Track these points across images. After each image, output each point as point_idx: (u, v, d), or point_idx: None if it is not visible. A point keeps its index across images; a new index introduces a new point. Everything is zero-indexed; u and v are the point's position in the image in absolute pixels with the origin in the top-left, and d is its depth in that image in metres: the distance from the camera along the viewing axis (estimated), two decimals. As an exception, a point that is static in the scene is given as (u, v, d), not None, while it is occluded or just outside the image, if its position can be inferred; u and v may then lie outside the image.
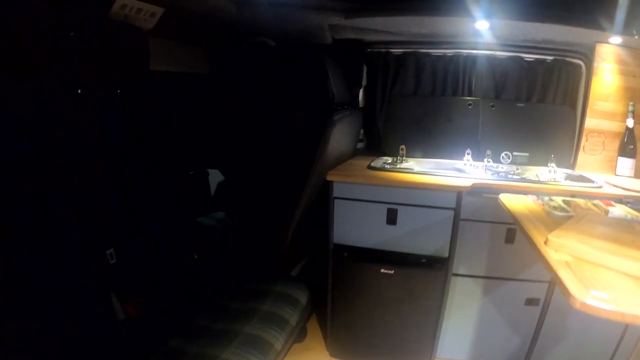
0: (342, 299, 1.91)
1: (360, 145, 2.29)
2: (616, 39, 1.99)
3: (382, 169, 1.90)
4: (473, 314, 1.91)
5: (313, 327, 2.15)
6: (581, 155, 2.18)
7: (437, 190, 1.72)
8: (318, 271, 1.98)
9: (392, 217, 1.77)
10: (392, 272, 1.80)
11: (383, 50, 2.20)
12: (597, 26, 1.91)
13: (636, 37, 1.93)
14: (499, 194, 1.54)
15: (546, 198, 1.49)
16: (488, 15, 1.81)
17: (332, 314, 1.95)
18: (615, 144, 2.17)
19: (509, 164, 2.14)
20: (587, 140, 2.17)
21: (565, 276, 0.85)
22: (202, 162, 2.36)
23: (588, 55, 2.13)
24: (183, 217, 2.13)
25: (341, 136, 1.84)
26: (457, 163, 2.12)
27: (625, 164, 2.09)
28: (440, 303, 1.83)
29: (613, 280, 0.84)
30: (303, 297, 1.78)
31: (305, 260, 2.12)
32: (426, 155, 2.20)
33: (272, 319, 1.57)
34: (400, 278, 1.81)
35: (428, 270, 1.79)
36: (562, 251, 0.98)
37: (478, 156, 2.13)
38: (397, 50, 2.20)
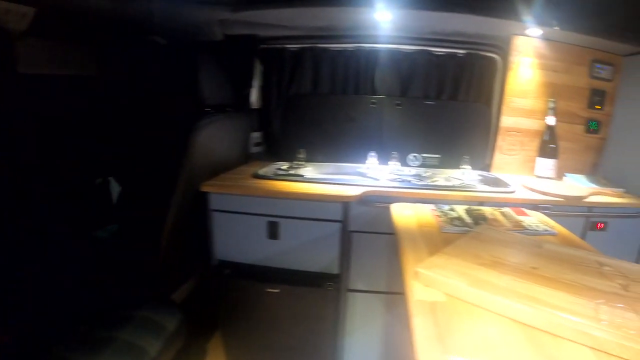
0: (231, 320, 1.73)
1: (259, 149, 2.08)
2: (535, 31, 1.86)
3: (268, 177, 1.71)
4: (377, 332, 1.73)
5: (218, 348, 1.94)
6: (498, 156, 2.02)
7: (322, 200, 1.54)
8: (208, 291, 1.79)
9: (273, 231, 1.59)
10: (278, 290, 1.62)
11: (278, 46, 2.00)
12: (513, 16, 1.76)
13: (556, 28, 1.78)
14: (397, 202, 1.37)
15: (446, 207, 1.31)
16: (388, 5, 1.65)
17: (223, 337, 1.77)
18: (535, 143, 2.03)
19: (418, 166, 1.96)
20: (503, 139, 2.02)
21: (420, 328, 0.62)
22: (92, 170, 2.15)
23: (504, 49, 1.99)
24: (71, 231, 1.92)
25: (216, 142, 1.69)
26: (361, 167, 1.93)
27: (545, 165, 1.94)
28: (337, 322, 1.66)
29: (493, 332, 0.63)
30: (171, 323, 1.58)
31: (194, 281, 1.90)
32: (328, 159, 1.99)
33: (128, 350, 1.37)
34: (288, 297, 1.63)
35: (317, 288, 1.60)
36: (434, 286, 0.76)
37: (384, 159, 1.94)
38: (293, 46, 2.00)
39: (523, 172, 2.03)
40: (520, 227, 1.15)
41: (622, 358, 0.58)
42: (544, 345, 0.60)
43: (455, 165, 1.97)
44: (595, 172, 2.12)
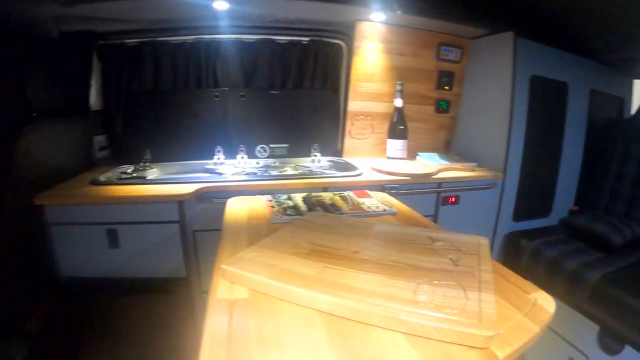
0: (93, 340, 1.61)
1: (105, 153, 2.01)
2: (378, 16, 1.87)
3: (108, 182, 1.61)
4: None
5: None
6: (348, 141, 2.05)
7: (156, 202, 1.46)
8: (62, 313, 1.70)
9: (113, 240, 1.50)
10: (128, 302, 1.54)
11: (117, 41, 1.88)
12: (355, 2, 1.76)
13: (399, 12, 1.80)
14: (241, 195, 1.33)
15: (283, 197, 1.28)
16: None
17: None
18: (385, 126, 2.07)
19: (266, 157, 1.96)
20: (352, 124, 2.03)
21: (211, 331, 0.57)
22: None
23: (349, 35, 2.00)
24: None
25: (47, 150, 1.56)
26: (209, 163, 1.89)
27: (396, 146, 1.99)
28: (198, 326, 1.61)
29: (293, 328, 0.57)
30: (19, 353, 1.49)
31: (47, 304, 1.81)
32: (174, 158, 1.91)
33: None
34: (140, 307, 1.54)
35: (166, 295, 1.53)
36: (239, 283, 0.70)
37: (232, 153, 1.90)
38: (132, 41, 1.89)
39: (375, 155, 2.07)
40: (359, 210, 1.14)
41: (442, 341, 0.53)
42: (350, 336, 0.55)
43: (306, 154, 1.98)
44: (449, 149, 2.19)
